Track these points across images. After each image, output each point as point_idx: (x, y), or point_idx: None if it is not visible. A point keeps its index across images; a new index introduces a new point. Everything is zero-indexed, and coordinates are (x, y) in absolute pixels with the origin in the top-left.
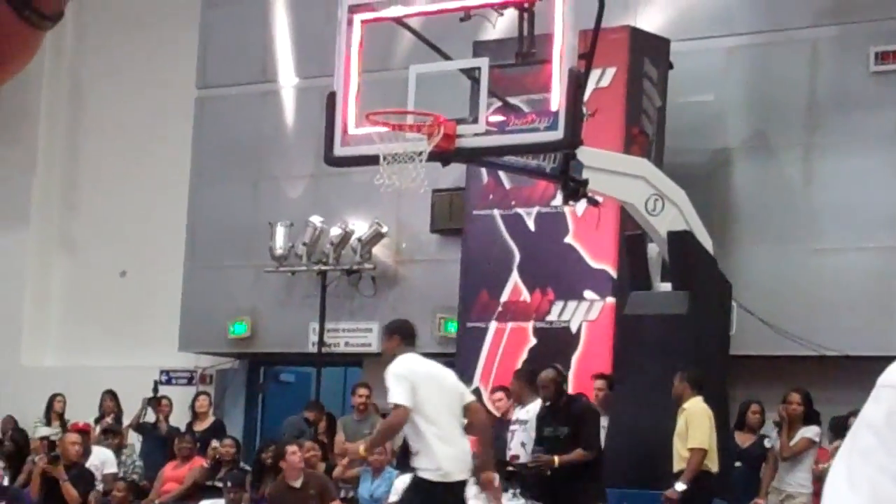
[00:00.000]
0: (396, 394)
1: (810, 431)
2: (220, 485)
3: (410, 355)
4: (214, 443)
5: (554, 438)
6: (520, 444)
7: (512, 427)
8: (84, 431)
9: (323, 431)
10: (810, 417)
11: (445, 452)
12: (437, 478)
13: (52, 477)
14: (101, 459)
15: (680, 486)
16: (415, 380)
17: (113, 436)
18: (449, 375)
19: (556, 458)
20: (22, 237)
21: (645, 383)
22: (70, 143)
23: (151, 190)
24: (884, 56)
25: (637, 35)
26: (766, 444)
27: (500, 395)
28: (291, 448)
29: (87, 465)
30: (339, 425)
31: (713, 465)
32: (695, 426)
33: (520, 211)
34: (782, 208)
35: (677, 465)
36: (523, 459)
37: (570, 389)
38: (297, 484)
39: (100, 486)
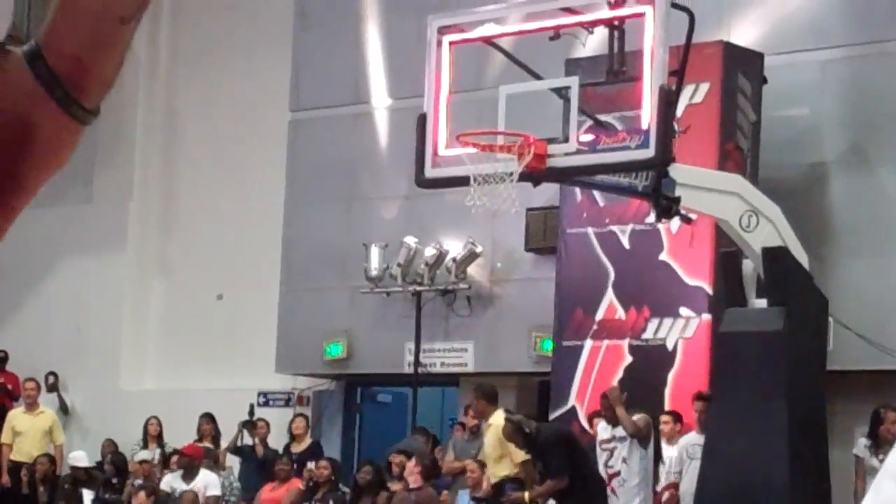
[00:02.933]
0: None
1: None
2: None
3: None
4: (310, 464)
5: (542, 474)
6: (621, 460)
7: (608, 445)
8: (193, 455)
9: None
10: None
11: None
12: None
13: None
14: (205, 482)
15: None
16: None
17: (211, 459)
18: None
19: (526, 494)
20: (119, 262)
21: (741, 400)
22: (165, 167)
23: (246, 213)
24: None
25: (730, 50)
26: None
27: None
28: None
29: (191, 487)
30: (450, 445)
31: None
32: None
33: (614, 228)
34: (879, 222)
35: (493, 479)
36: (624, 475)
37: (667, 407)
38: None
39: None
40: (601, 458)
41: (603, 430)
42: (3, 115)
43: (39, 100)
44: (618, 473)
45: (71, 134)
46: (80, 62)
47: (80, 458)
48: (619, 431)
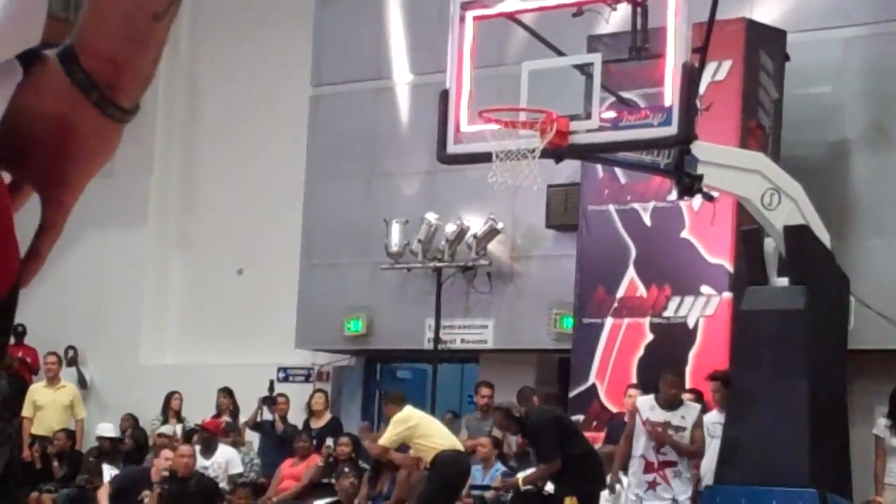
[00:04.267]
0: None
1: None
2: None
3: None
4: (329, 441)
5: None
6: None
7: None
8: (213, 430)
9: None
10: None
11: None
12: None
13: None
14: (226, 458)
15: None
16: None
17: (229, 434)
18: None
19: (520, 479)
20: (140, 236)
21: (762, 378)
22: (187, 142)
23: (267, 188)
24: None
25: (753, 27)
26: None
27: (634, 391)
28: None
29: (211, 462)
30: (463, 423)
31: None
32: (387, 429)
33: (635, 206)
34: None
35: None
36: (681, 467)
37: (688, 385)
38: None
39: (223, 484)
40: (650, 441)
41: (650, 409)
42: (42, 119)
43: (76, 103)
44: (674, 464)
45: (111, 133)
46: (115, 62)
47: (108, 429)
48: (675, 419)
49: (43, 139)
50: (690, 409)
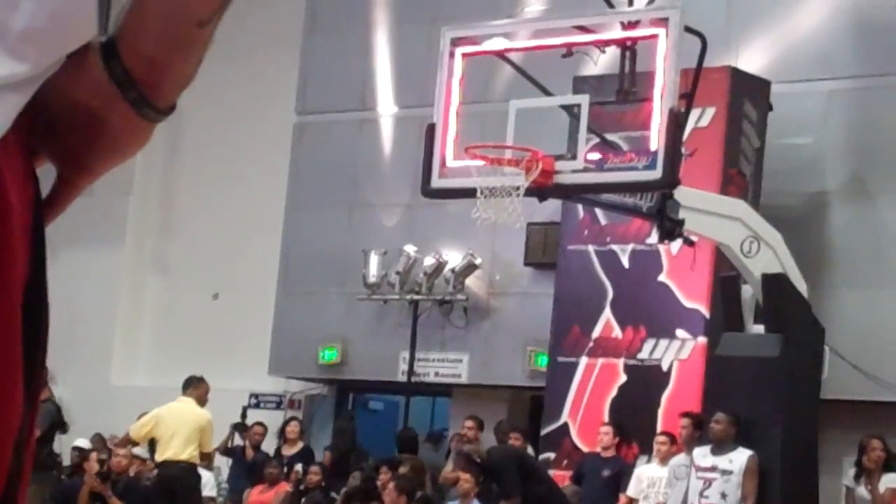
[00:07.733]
0: None
1: (893, 480)
2: None
3: None
4: (297, 467)
5: (498, 496)
6: (719, 494)
7: (706, 474)
8: None
9: None
10: (890, 464)
11: None
12: None
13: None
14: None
15: None
16: None
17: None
18: None
19: None
20: (117, 257)
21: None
22: (167, 165)
23: (246, 214)
24: None
25: (738, 76)
26: None
27: (607, 429)
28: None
29: None
30: (451, 457)
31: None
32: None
33: (614, 247)
34: (878, 254)
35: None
36: None
37: (659, 428)
38: None
39: None
40: (695, 484)
41: (702, 456)
42: (74, 108)
43: (111, 99)
44: None
45: (141, 131)
46: (156, 63)
47: (84, 442)
48: (723, 463)
49: (71, 126)
50: (739, 454)
